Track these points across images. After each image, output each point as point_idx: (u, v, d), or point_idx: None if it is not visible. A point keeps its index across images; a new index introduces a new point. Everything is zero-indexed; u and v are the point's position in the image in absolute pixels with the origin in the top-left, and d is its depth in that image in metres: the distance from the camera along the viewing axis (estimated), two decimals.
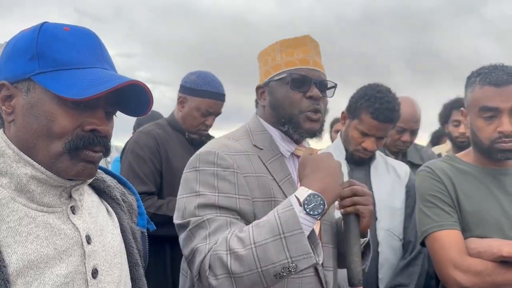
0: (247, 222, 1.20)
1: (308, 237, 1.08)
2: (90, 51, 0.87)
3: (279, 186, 1.30)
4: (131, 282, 1.01)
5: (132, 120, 3.86)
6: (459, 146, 2.79)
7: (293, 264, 1.02)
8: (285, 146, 1.38)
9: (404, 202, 2.05)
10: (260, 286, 1.05)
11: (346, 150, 2.07)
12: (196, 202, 1.21)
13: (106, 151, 0.89)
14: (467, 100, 1.65)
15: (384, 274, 1.94)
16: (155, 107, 3.60)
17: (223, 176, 1.23)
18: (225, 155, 1.26)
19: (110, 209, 1.02)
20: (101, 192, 1.02)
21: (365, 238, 1.40)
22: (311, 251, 1.03)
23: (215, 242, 1.13)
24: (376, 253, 1.93)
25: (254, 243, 1.05)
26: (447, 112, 2.95)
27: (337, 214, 1.45)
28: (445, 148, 3.21)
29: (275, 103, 1.38)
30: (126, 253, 1.01)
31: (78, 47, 0.86)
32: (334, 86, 1.42)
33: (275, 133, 1.39)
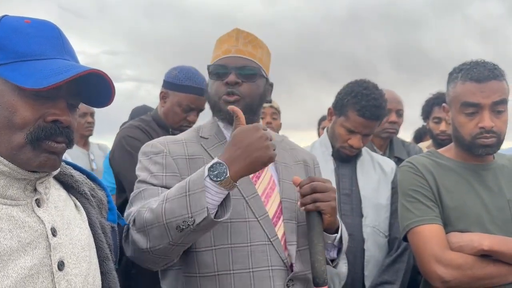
0: None
1: (225, 200, 1.20)
2: (51, 43, 0.88)
3: None
4: (101, 276, 1.00)
5: (117, 119, 3.82)
6: (439, 143, 2.80)
7: (192, 219, 1.13)
8: (228, 134, 1.45)
9: (389, 198, 2.05)
10: (166, 239, 1.16)
11: (333, 146, 2.07)
12: (136, 182, 1.39)
13: (69, 142, 0.89)
14: (449, 96, 1.66)
15: (370, 272, 1.94)
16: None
17: (154, 160, 1.37)
18: (159, 143, 1.41)
19: (78, 203, 1.02)
20: (69, 187, 1.02)
21: (336, 234, 1.40)
22: (206, 207, 1.12)
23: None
24: (362, 250, 1.93)
25: (166, 199, 1.18)
26: (428, 108, 2.95)
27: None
28: (425, 144, 3.23)
29: (208, 95, 1.50)
30: (96, 248, 1.01)
31: (39, 38, 0.87)
32: (252, 71, 1.42)
33: (219, 122, 1.49)
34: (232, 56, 1.43)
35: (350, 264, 1.89)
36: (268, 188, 1.41)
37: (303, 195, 1.31)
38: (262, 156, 1.18)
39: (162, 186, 1.32)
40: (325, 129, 2.22)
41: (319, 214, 1.30)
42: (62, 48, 0.89)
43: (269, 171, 1.45)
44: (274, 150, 1.22)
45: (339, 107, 2.03)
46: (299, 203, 1.34)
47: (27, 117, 0.82)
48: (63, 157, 0.94)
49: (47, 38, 0.87)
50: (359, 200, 1.98)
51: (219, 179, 1.14)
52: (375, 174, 2.08)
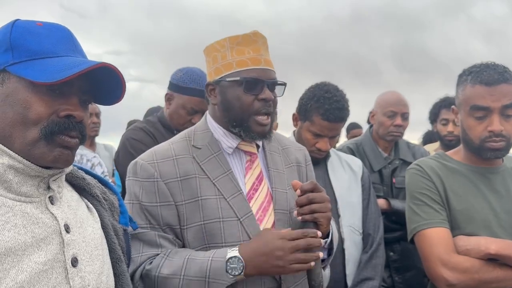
0: (171, 226, 1.31)
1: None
2: (63, 42, 0.91)
3: (213, 183, 1.33)
4: (115, 277, 1.01)
5: (122, 118, 3.84)
6: (447, 144, 2.81)
7: None
8: (226, 143, 1.40)
9: (360, 196, 2.08)
10: None
11: None
12: (129, 211, 1.32)
13: (82, 137, 0.91)
14: (458, 99, 1.65)
15: (350, 270, 1.95)
16: (147, 106, 3.58)
17: (145, 186, 1.32)
18: (148, 164, 1.33)
19: (90, 205, 1.03)
20: (81, 189, 1.03)
21: (326, 239, 1.40)
22: None
23: (147, 258, 1.28)
24: (342, 250, 1.94)
25: (183, 275, 1.22)
26: (436, 111, 2.98)
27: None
28: (433, 147, 3.23)
29: (226, 104, 1.38)
30: (109, 249, 1.02)
31: (51, 38, 0.89)
32: (284, 85, 1.43)
33: (218, 131, 1.41)
34: (263, 68, 1.37)
35: (331, 265, 1.90)
36: (266, 202, 1.40)
37: (300, 205, 1.32)
38: (279, 267, 1.22)
39: (158, 225, 1.31)
40: (291, 133, 2.23)
41: (315, 224, 1.31)
42: (74, 47, 0.92)
43: (266, 183, 1.43)
44: (302, 262, 1.23)
45: (303, 112, 2.05)
46: (295, 212, 1.33)
47: (41, 112, 0.84)
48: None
49: (59, 38, 0.90)
50: (334, 201, 2.00)
51: (233, 273, 1.20)
52: (345, 174, 2.10)
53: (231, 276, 1.21)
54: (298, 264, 1.23)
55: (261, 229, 1.34)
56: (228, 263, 1.20)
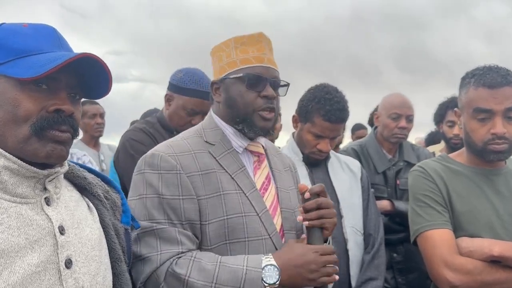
0: (192, 222, 1.27)
1: None
2: (48, 39, 0.92)
3: (232, 178, 1.33)
4: (114, 277, 1.01)
5: (123, 118, 3.85)
6: (452, 147, 2.80)
7: None
8: (237, 142, 1.40)
9: (360, 196, 2.10)
10: None
11: (302, 152, 2.09)
12: (143, 205, 1.27)
13: (74, 131, 0.91)
14: (461, 101, 1.65)
15: (354, 271, 1.96)
16: (148, 106, 3.59)
17: (166, 179, 1.27)
18: (169, 156, 1.30)
19: (91, 205, 1.03)
20: (83, 189, 1.04)
21: (326, 243, 1.42)
22: None
23: (169, 256, 1.22)
24: (346, 251, 1.95)
25: (215, 283, 1.19)
26: (442, 112, 2.95)
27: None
28: (438, 147, 3.22)
29: (230, 101, 1.40)
30: (108, 249, 1.02)
31: (36, 36, 0.91)
32: (287, 85, 1.45)
33: (228, 129, 1.42)
34: (266, 66, 1.39)
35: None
36: (275, 201, 1.41)
37: (307, 210, 1.33)
38: (310, 279, 1.25)
39: (177, 221, 1.25)
40: (291, 135, 2.23)
41: (320, 229, 1.33)
42: (58, 43, 0.93)
43: (273, 184, 1.45)
44: (329, 275, 1.28)
45: (304, 114, 2.06)
46: (300, 217, 1.35)
47: (30, 108, 0.85)
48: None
49: (44, 36, 0.92)
50: (336, 202, 2.01)
51: (269, 281, 1.20)
52: (345, 175, 2.12)
53: (266, 285, 1.20)
54: (326, 278, 1.27)
55: (275, 226, 1.35)
56: (264, 271, 1.21)
